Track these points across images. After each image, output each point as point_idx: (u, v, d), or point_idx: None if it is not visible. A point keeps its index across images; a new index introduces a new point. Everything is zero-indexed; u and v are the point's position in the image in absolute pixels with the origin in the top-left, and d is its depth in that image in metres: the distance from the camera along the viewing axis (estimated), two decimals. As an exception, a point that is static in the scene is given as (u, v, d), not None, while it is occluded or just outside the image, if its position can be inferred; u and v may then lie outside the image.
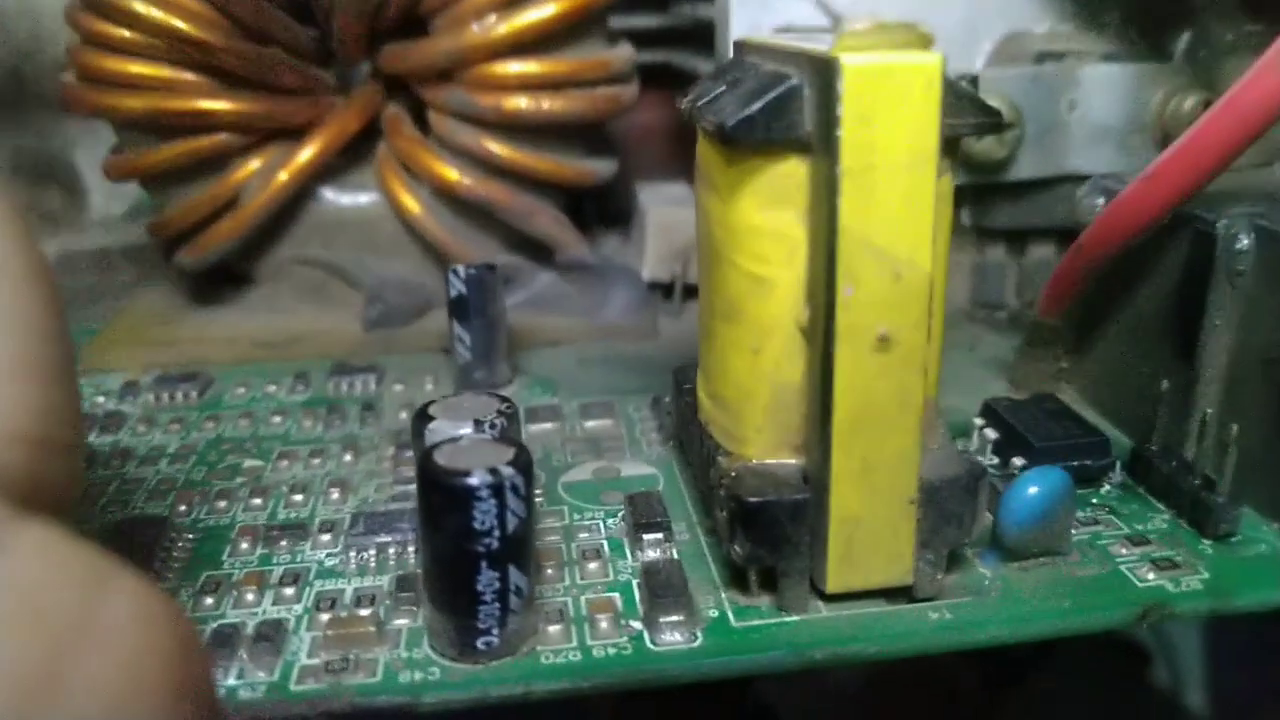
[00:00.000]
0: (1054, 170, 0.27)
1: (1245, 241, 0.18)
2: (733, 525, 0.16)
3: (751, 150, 0.15)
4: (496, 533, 0.15)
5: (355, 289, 0.29)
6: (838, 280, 0.15)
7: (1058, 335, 0.23)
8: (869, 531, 0.16)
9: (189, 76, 0.26)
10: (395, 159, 0.28)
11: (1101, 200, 0.22)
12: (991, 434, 0.21)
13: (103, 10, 0.25)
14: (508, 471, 0.14)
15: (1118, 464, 0.20)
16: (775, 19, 0.27)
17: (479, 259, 0.26)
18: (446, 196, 0.28)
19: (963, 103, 0.15)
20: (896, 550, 0.16)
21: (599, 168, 0.29)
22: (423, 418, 0.17)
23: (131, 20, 0.25)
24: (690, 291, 0.30)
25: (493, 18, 0.26)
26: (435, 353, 0.27)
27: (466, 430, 0.16)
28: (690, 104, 0.17)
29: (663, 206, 0.30)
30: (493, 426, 0.17)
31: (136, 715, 0.09)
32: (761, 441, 0.17)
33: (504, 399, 0.18)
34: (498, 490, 0.14)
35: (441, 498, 0.15)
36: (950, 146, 0.15)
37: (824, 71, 0.14)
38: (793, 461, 0.17)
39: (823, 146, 0.15)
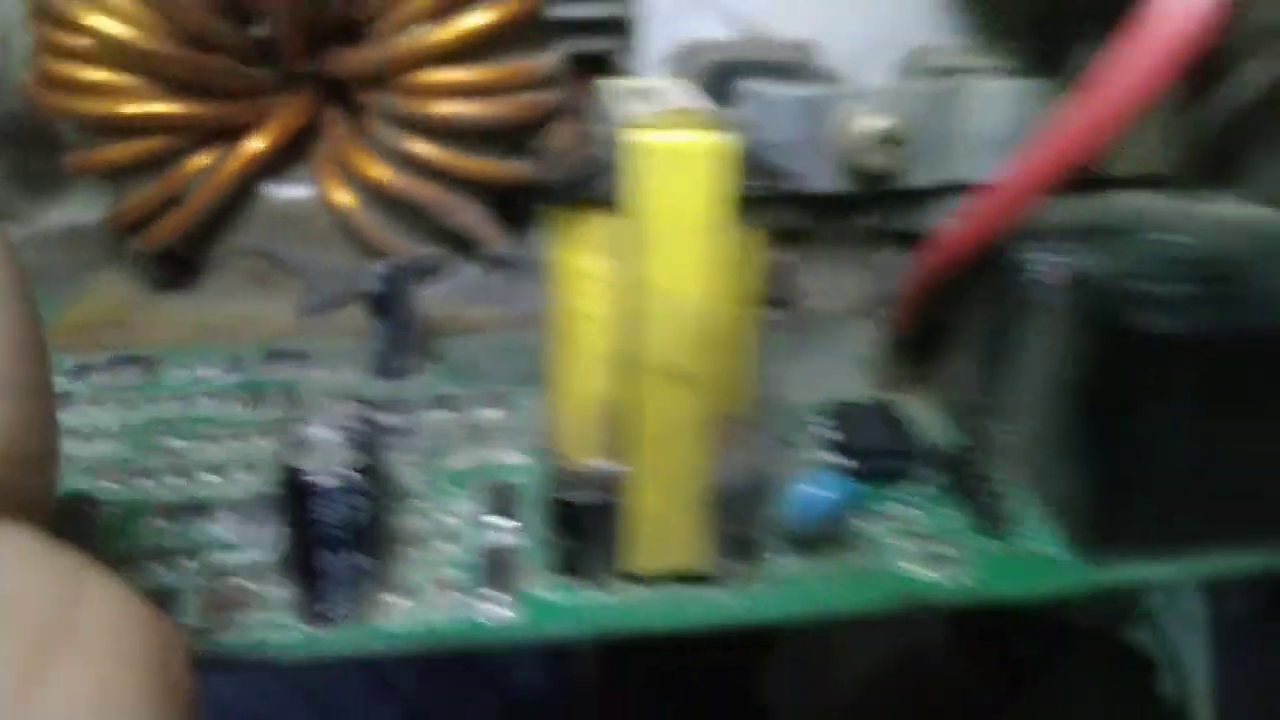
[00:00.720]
0: (945, 179, 0.29)
1: (1052, 278, 0.21)
2: (555, 519, 0.19)
3: (570, 207, 0.18)
4: (335, 521, 0.17)
5: (294, 278, 0.31)
6: (640, 321, 0.17)
7: (913, 340, 0.26)
8: (668, 527, 0.19)
9: (139, 82, 0.29)
10: (332, 157, 0.31)
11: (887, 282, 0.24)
12: (827, 433, 0.24)
13: (56, 20, 0.28)
14: (343, 472, 0.17)
15: (933, 468, 0.23)
16: (688, 31, 0.29)
17: (408, 252, 0.28)
18: (377, 193, 0.30)
19: (754, 169, 0.17)
20: (692, 543, 0.19)
21: (525, 169, 0.31)
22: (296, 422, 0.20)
23: (83, 30, 0.28)
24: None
25: (425, 27, 0.29)
26: (362, 338, 0.29)
27: (326, 433, 0.19)
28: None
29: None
30: (350, 431, 0.19)
31: (117, 714, 0.10)
32: (582, 448, 0.19)
33: (371, 408, 0.20)
34: (338, 489, 0.17)
35: (287, 491, 0.17)
36: (750, 203, 0.18)
37: (628, 148, 0.17)
38: (607, 466, 0.19)
39: (626, 209, 0.17)
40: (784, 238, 0.31)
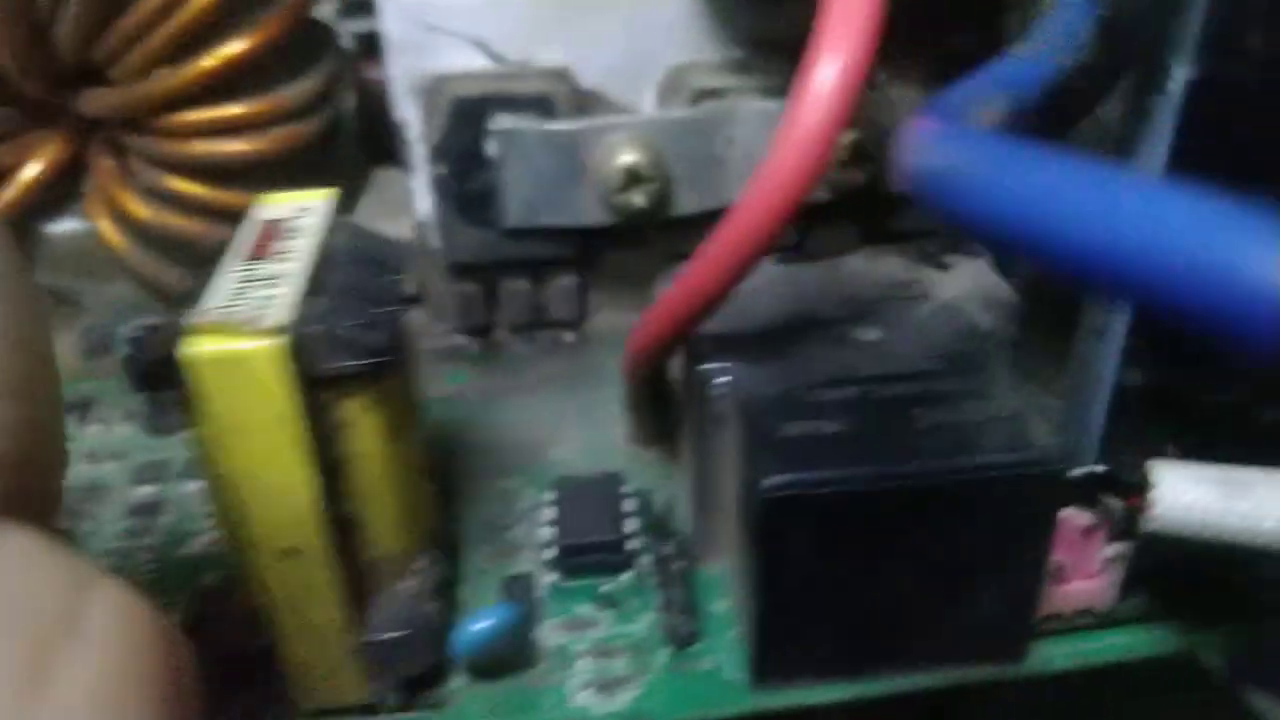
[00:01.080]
0: (715, 204, 0.28)
1: (723, 398, 0.20)
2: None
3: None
4: None
5: (80, 315, 0.31)
6: (237, 508, 0.17)
7: (649, 396, 0.25)
8: (326, 670, 0.19)
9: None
10: (100, 195, 0.30)
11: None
12: (549, 513, 0.23)
13: None
14: None
15: (640, 559, 0.23)
16: (434, 64, 0.27)
17: (184, 286, 0.28)
18: (145, 231, 0.30)
19: (335, 351, 0.17)
20: (353, 682, 0.19)
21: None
22: None
23: None
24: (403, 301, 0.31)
25: (161, 71, 0.27)
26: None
27: None
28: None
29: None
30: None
31: (124, 709, 0.10)
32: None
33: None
34: None
35: None
36: (346, 380, 0.17)
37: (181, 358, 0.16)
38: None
39: (194, 413, 0.16)
40: (567, 263, 0.30)
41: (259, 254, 0.17)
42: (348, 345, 0.16)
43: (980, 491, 0.17)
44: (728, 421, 0.20)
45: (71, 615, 0.10)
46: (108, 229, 0.30)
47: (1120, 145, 0.19)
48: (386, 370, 0.16)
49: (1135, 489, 0.18)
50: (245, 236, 0.18)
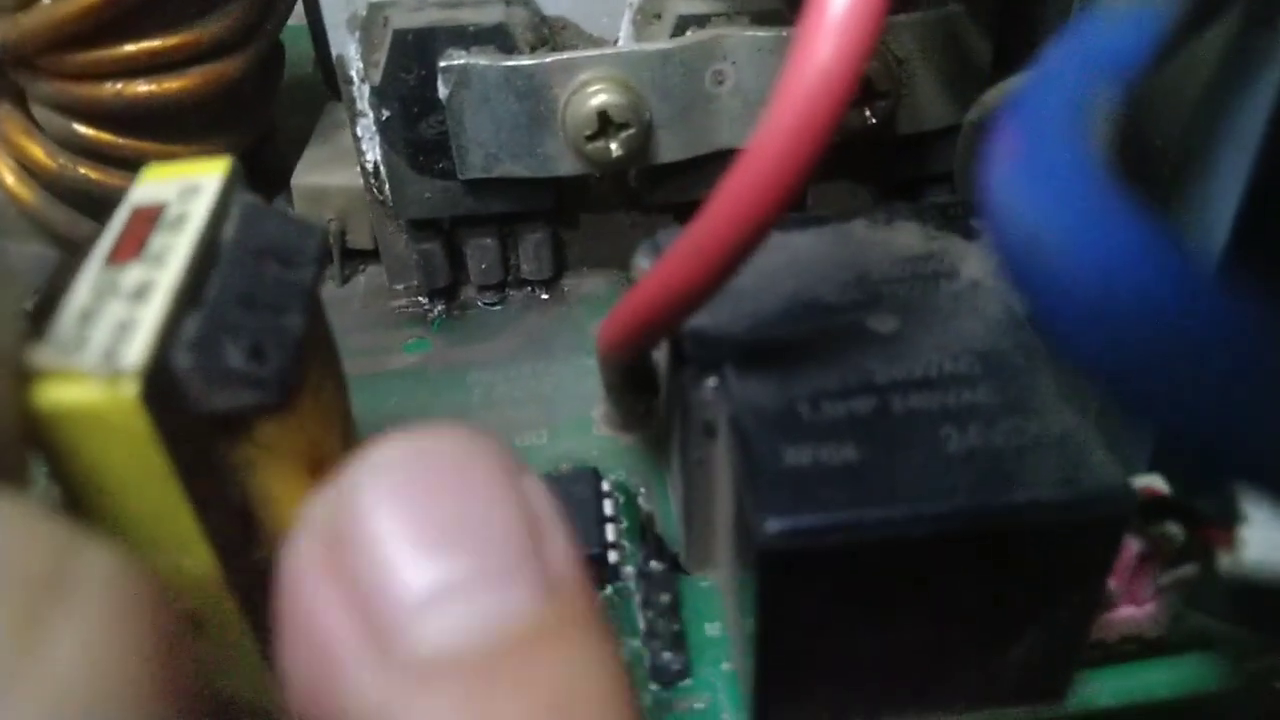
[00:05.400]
0: (704, 149, 0.24)
1: (714, 407, 0.17)
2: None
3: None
4: None
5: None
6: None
7: (631, 376, 0.22)
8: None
9: None
10: (1, 143, 0.26)
11: (646, 265, 0.20)
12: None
13: None
14: None
15: (622, 569, 0.20)
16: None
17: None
18: (48, 182, 0.26)
19: (212, 388, 0.13)
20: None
21: (226, 143, 0.26)
22: None
23: None
24: (350, 255, 0.28)
25: (46, 2, 0.23)
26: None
27: None
28: None
29: (308, 176, 0.27)
30: None
31: (113, 671, 0.10)
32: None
33: None
34: None
35: None
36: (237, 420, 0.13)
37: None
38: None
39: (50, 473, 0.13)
40: (537, 216, 0.26)
41: (125, 254, 0.13)
42: (229, 379, 0.13)
43: (1028, 537, 0.14)
44: (718, 434, 0.17)
45: (60, 577, 0.10)
46: (13, 182, 0.26)
47: (1213, 92, 0.15)
48: (283, 402, 0.13)
49: (1212, 520, 0.15)
50: (111, 230, 0.14)
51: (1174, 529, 0.16)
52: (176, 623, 0.11)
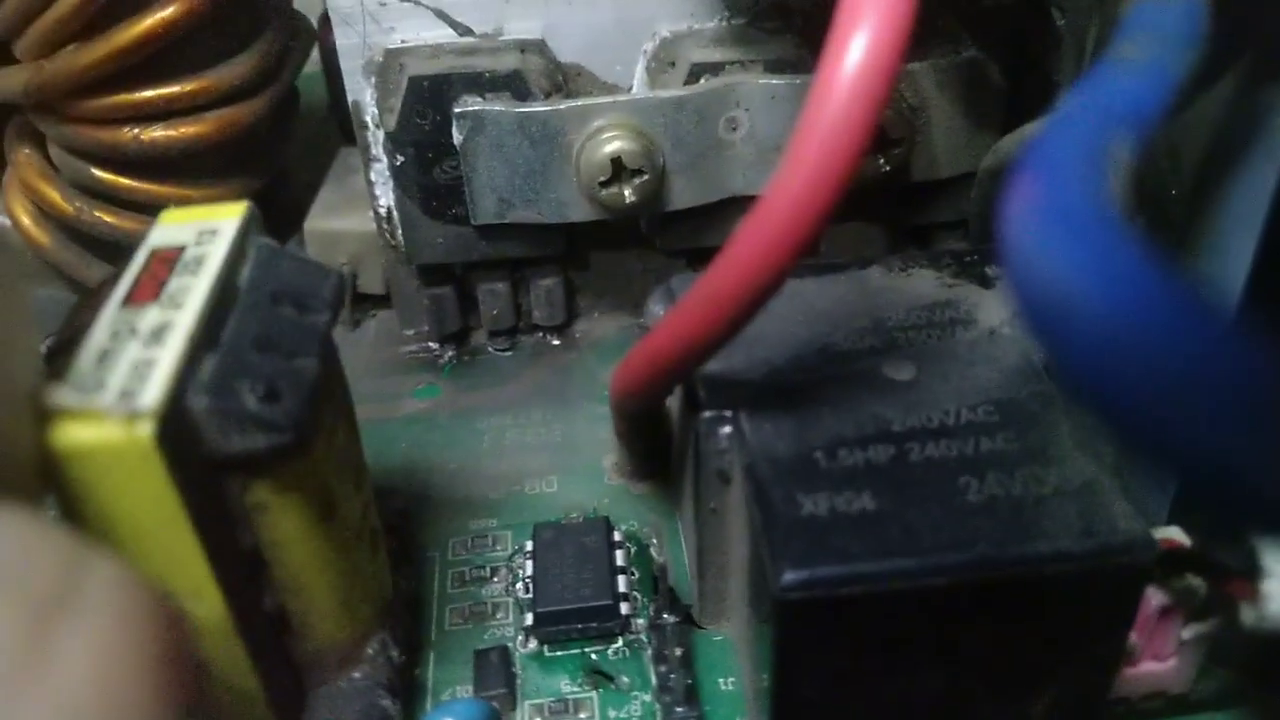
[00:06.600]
0: (717, 195, 0.24)
1: (724, 446, 0.16)
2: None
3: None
4: None
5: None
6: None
7: (648, 421, 0.22)
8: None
9: None
10: (19, 186, 0.26)
11: (660, 311, 0.20)
12: (527, 566, 0.20)
13: None
14: None
15: (634, 621, 0.19)
16: (389, 36, 0.23)
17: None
18: (64, 225, 0.26)
19: (228, 431, 0.13)
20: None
21: (239, 186, 0.27)
22: None
23: None
24: (361, 300, 0.28)
25: (70, 48, 0.24)
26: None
27: None
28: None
29: (321, 220, 0.27)
30: None
31: (120, 682, 0.10)
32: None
33: None
34: None
35: None
36: (251, 463, 0.13)
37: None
38: None
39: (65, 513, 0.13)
40: (549, 261, 0.26)
41: (143, 296, 0.13)
42: (243, 422, 0.12)
43: (1048, 588, 0.14)
44: (733, 482, 0.16)
45: (68, 590, 0.10)
46: (28, 224, 0.26)
47: (1220, 142, 0.15)
48: (296, 444, 0.13)
49: (1234, 573, 0.15)
50: (130, 272, 0.14)
51: (1195, 582, 0.16)
52: (180, 634, 0.11)
